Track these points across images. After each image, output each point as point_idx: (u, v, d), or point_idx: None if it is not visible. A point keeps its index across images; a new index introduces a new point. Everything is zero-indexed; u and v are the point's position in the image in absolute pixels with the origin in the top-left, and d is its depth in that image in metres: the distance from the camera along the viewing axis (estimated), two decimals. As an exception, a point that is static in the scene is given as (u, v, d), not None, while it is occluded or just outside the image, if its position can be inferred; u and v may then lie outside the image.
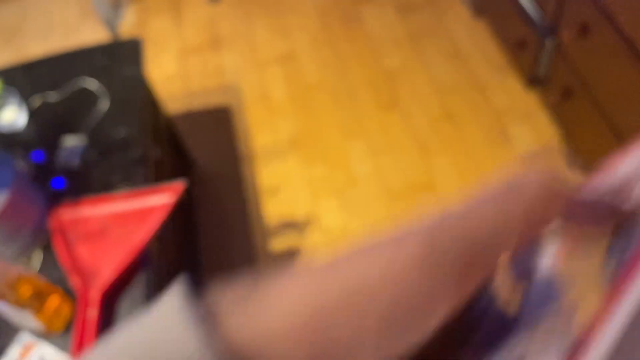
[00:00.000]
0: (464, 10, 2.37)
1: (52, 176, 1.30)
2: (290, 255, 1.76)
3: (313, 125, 2.08)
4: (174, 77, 2.33)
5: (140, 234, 1.16)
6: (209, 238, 1.83)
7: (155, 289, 1.14)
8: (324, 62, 2.28)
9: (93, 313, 1.05)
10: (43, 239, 1.19)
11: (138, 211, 1.20)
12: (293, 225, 1.83)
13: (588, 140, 1.67)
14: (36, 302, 1.02)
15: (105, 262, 1.13)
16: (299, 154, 2.00)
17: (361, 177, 1.91)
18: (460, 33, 2.29)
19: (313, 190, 1.90)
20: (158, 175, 1.46)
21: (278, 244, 1.80)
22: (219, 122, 2.15)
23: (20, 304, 0.98)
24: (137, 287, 1.11)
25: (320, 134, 2.05)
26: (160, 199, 1.20)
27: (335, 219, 1.83)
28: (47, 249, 1.18)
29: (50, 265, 1.15)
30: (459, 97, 2.08)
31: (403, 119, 2.05)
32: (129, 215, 1.20)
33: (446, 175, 1.88)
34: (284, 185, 1.93)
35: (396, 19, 2.39)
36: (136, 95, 1.45)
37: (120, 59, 1.53)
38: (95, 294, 1.06)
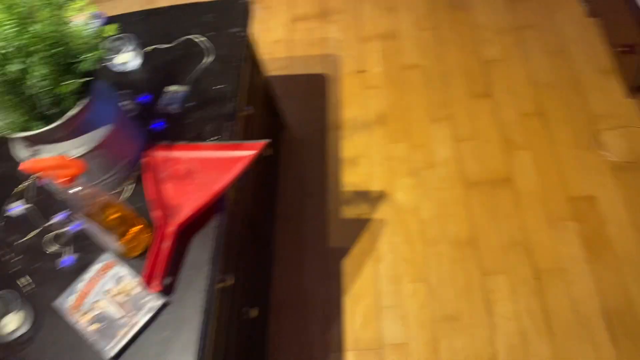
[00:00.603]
0: (578, 8, 2.18)
1: (153, 118, 1.36)
2: (358, 224, 1.75)
3: (402, 105, 2.03)
4: (279, 42, 2.35)
5: (221, 182, 1.18)
6: (286, 197, 1.86)
7: (225, 234, 1.17)
8: (424, 44, 2.20)
9: (166, 245, 1.09)
10: (135, 173, 1.25)
11: (222, 161, 1.23)
12: (366, 197, 1.81)
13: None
14: (120, 227, 1.08)
15: (186, 202, 1.17)
16: (383, 130, 1.96)
17: (440, 160, 1.85)
18: (569, 30, 2.12)
19: (391, 166, 1.87)
20: (248, 132, 1.49)
21: (349, 212, 1.79)
22: (314, 90, 2.15)
23: (107, 227, 1.04)
24: (210, 228, 1.14)
25: (408, 114, 1.99)
26: (244, 153, 1.22)
27: (408, 197, 1.79)
28: (138, 182, 1.24)
29: (137, 197, 1.21)
30: (554, 95, 1.94)
31: (492, 109, 1.95)
32: (213, 163, 1.23)
33: (526, 171, 1.78)
34: (364, 158, 1.91)
35: (505, 8, 2.25)
36: (239, 53, 1.47)
37: (228, 17, 1.55)
38: (171, 229, 1.11)
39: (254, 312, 1.39)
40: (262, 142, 1.24)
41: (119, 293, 1.06)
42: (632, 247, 1.57)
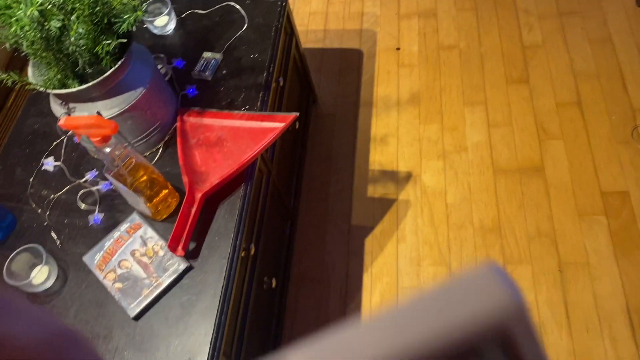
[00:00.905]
0: (627, -4, 2.10)
1: (187, 84, 1.36)
2: (383, 204, 1.74)
3: (436, 86, 1.99)
4: (315, 13, 2.32)
5: (249, 152, 1.19)
6: (312, 171, 1.86)
7: (251, 204, 1.17)
8: (463, 25, 2.15)
9: (193, 210, 1.11)
10: (167, 137, 1.26)
11: (252, 131, 1.23)
12: (393, 177, 1.79)
13: None
14: (149, 190, 1.10)
15: (214, 169, 1.18)
16: (415, 111, 1.94)
17: (471, 145, 1.82)
18: (616, 19, 2.04)
19: (421, 147, 1.84)
20: (279, 103, 1.48)
21: (375, 191, 1.78)
22: (347, 65, 2.12)
23: (137, 188, 1.06)
24: (236, 197, 1.15)
25: (441, 95, 1.96)
26: (274, 125, 1.22)
27: (435, 180, 1.77)
28: (168, 147, 1.25)
29: (167, 161, 1.22)
30: (593, 86, 1.89)
31: (529, 96, 1.90)
32: (243, 133, 1.23)
33: (558, 162, 1.74)
34: (393, 138, 1.89)
35: (550, -7, 2.18)
36: (276, 23, 1.45)
37: (267, -14, 1.53)
38: (199, 195, 1.12)
39: (273, 282, 1.40)
40: (292, 115, 1.23)
41: (145, 254, 1.08)
42: (662, 247, 1.53)
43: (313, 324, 1.57)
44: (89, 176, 1.24)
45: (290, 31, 1.64)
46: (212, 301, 1.02)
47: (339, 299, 1.60)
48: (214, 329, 0.99)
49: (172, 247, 1.06)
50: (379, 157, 1.85)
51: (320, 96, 2.03)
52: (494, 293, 0.19)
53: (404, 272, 1.61)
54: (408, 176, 1.78)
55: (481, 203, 1.70)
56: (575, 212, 1.64)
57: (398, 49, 2.13)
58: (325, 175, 1.85)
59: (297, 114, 1.22)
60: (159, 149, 1.25)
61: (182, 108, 1.30)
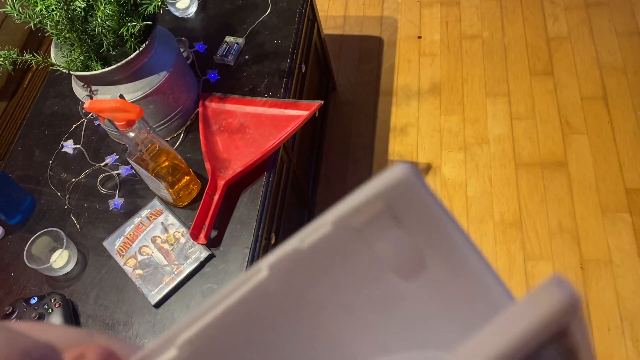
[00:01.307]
0: (656, -13, 2.05)
1: (209, 68, 1.34)
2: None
3: (458, 76, 1.96)
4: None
5: (272, 140, 1.17)
6: (331, 160, 1.84)
7: (273, 192, 1.16)
8: (487, 14, 2.11)
9: (216, 198, 1.09)
10: (188, 123, 1.24)
11: (275, 118, 1.21)
12: (413, 168, 1.77)
13: None
14: (171, 176, 1.08)
15: (236, 156, 1.16)
16: (436, 101, 1.91)
17: (493, 137, 1.79)
18: (644, 11, 2.00)
19: (442, 139, 1.82)
20: (300, 90, 1.46)
21: (394, 181, 1.75)
22: (367, 53, 2.09)
23: (158, 174, 1.04)
24: (259, 186, 1.13)
25: (463, 86, 1.93)
26: (297, 112, 1.20)
27: (456, 172, 1.74)
28: (190, 132, 1.23)
29: (188, 147, 1.21)
30: (621, 79, 1.85)
31: (553, 88, 1.87)
32: (266, 120, 1.21)
33: (581, 157, 1.71)
34: (413, 128, 1.86)
35: (576, -17, 2.13)
36: (299, 9, 1.43)
37: (291, -30, 1.50)
38: (221, 182, 1.10)
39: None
40: (316, 103, 1.21)
41: (166, 241, 1.07)
42: (687, 246, 1.50)
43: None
44: (109, 160, 1.22)
45: (313, 17, 1.62)
46: (233, 290, 1.01)
47: (356, 290, 1.58)
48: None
49: (194, 235, 1.05)
50: (399, 147, 1.82)
51: (340, 84, 2.01)
52: (554, 292, 0.20)
53: (422, 264, 1.59)
54: (428, 167, 1.76)
55: (502, 197, 1.68)
56: (599, 209, 1.61)
57: (419, 37, 2.09)
58: (344, 164, 1.83)
59: (321, 102, 1.20)
60: (180, 134, 1.24)
61: (203, 93, 1.28)
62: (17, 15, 0.95)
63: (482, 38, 2.04)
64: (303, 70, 1.47)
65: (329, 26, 2.19)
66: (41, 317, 0.98)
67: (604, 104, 1.81)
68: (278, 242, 1.28)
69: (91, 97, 1.08)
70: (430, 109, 1.89)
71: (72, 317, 1.01)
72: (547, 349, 0.20)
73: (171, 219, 1.09)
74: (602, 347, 1.40)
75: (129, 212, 1.13)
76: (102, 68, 1.03)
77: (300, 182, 1.51)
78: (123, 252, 1.07)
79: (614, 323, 1.43)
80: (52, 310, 0.99)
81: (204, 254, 1.04)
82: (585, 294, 1.48)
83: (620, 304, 1.46)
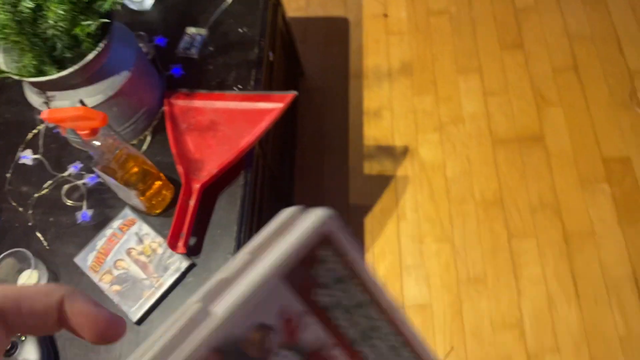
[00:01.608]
0: (620, -47, 2.05)
1: (171, 63, 1.27)
2: (381, 180, 1.70)
3: (427, 53, 1.93)
4: (296, -19, 2.21)
5: (247, 136, 1.12)
6: (305, 150, 1.79)
7: (252, 191, 1.11)
8: (452, -12, 2.08)
9: (192, 203, 1.04)
10: (154, 123, 1.18)
11: (248, 112, 1.16)
12: (389, 152, 1.74)
13: None
14: (141, 183, 1.02)
15: (210, 157, 1.11)
16: (408, 81, 1.88)
17: (468, 115, 1.77)
18: (608, -22, 2.00)
19: (416, 120, 1.79)
20: (269, 80, 1.41)
21: (371, 167, 1.73)
22: (333, 35, 2.04)
23: (128, 181, 0.98)
24: (237, 186, 1.08)
25: (434, 64, 1.90)
26: (271, 105, 1.15)
27: (433, 153, 1.72)
28: (156, 133, 1.17)
29: (156, 150, 1.15)
30: (591, 49, 1.85)
31: (524, 61, 1.86)
32: (238, 115, 1.16)
33: (558, 130, 1.71)
34: (387, 111, 1.83)
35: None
36: (261, -6, 1.36)
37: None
38: (197, 185, 1.05)
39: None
40: (290, 94, 1.16)
41: (142, 253, 1.01)
42: (666, 213, 1.53)
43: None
44: (72, 169, 1.15)
45: (276, 0, 1.55)
46: (219, 300, 0.97)
47: (341, 282, 1.56)
48: (224, 330, 0.93)
49: (172, 245, 0.99)
50: (374, 132, 1.79)
51: (307, 69, 1.95)
52: (313, 215, 0.26)
53: (407, 250, 1.57)
54: (405, 151, 1.73)
55: (481, 176, 1.67)
56: (578, 181, 1.62)
57: (385, 15, 2.05)
58: (319, 153, 1.78)
59: (295, 93, 1.15)
60: (146, 136, 1.17)
61: (168, 91, 1.22)
62: (-44, 20, 0.87)
63: (449, 13, 2.01)
64: (271, 59, 1.42)
65: (291, 8, 2.13)
66: (14, 346, 0.92)
67: (576, 75, 1.81)
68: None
69: (48, 105, 1.01)
70: (403, 89, 1.86)
71: (49, 342, 0.95)
72: (324, 251, 0.26)
73: (146, 229, 1.04)
74: (592, 320, 1.42)
75: (99, 223, 1.07)
76: (58, 72, 0.95)
77: (277, 176, 1.46)
78: (97, 267, 1.01)
79: (601, 295, 1.45)
80: (26, 337, 0.93)
81: (185, 263, 0.99)
82: (571, 268, 1.49)
83: (605, 275, 1.47)
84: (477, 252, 1.54)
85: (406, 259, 1.56)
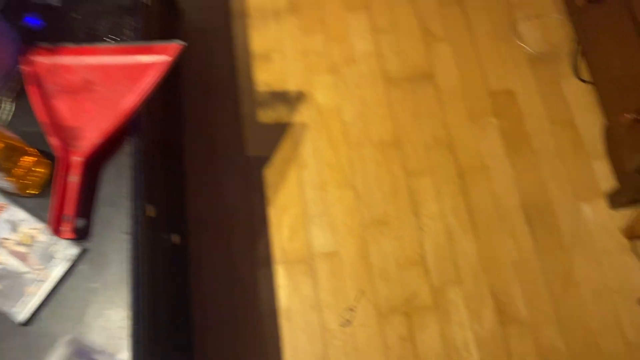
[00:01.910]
0: None
1: (26, 11, 1.07)
2: (277, 129, 1.62)
3: (313, -11, 1.83)
4: None
5: (130, 96, 0.98)
6: (192, 100, 1.66)
7: (143, 159, 0.99)
8: None
9: (74, 179, 0.91)
10: (14, 87, 1.00)
11: (127, 68, 1.02)
12: (283, 98, 1.66)
13: (609, 52, 1.53)
14: (6, 160, 0.87)
15: (89, 123, 0.96)
16: (296, 20, 1.78)
17: (359, 55, 1.73)
18: None
19: (308, 62, 1.72)
20: (147, 27, 1.25)
21: (266, 115, 1.64)
22: (210, -30, 1.87)
23: (-10, 161, 0.83)
24: (124, 155, 0.96)
25: (321, 1, 1.81)
26: (155, 58, 1.01)
27: (328, 97, 1.67)
28: (18, 99, 0.99)
29: (20, 119, 0.98)
30: (472, -19, 1.86)
31: (411, -4, 1.83)
32: (117, 72, 1.01)
33: (446, 65, 1.72)
34: (277, 53, 1.73)
35: None
36: None
37: None
38: (77, 159, 0.91)
39: (175, 238, 1.26)
40: (175, 44, 1.03)
41: (20, 242, 0.88)
42: (548, 142, 1.62)
43: (221, 270, 1.47)
44: None
45: None
46: (120, 285, 0.87)
47: (246, 240, 1.50)
48: (131, 317, 0.84)
49: (55, 229, 0.86)
50: (265, 76, 1.69)
51: (185, 8, 1.78)
52: None
53: (310, 199, 1.54)
54: (299, 95, 1.66)
55: (377, 117, 1.65)
56: (468, 116, 1.66)
57: (265, -52, 1.90)
58: (208, 103, 1.66)
59: (183, 43, 1.02)
60: (6, 103, 0.99)
61: (25, 45, 1.03)
62: None
63: (332, -55, 1.91)
64: (147, 1, 1.25)
65: (159, -60, 1.90)
66: None
67: (460, 7, 1.82)
68: (156, 210, 1.12)
69: None
70: (291, 29, 1.77)
71: None
72: None
73: (20, 214, 0.89)
74: (488, 250, 1.50)
75: (-41, 212, 0.90)
76: None
77: (165, 134, 1.33)
78: (-37, 266, 0.86)
79: (495, 225, 1.53)
80: None
81: (74, 250, 0.87)
82: (467, 202, 1.55)
83: (497, 206, 1.55)
84: (379, 194, 1.55)
85: (310, 208, 1.53)
